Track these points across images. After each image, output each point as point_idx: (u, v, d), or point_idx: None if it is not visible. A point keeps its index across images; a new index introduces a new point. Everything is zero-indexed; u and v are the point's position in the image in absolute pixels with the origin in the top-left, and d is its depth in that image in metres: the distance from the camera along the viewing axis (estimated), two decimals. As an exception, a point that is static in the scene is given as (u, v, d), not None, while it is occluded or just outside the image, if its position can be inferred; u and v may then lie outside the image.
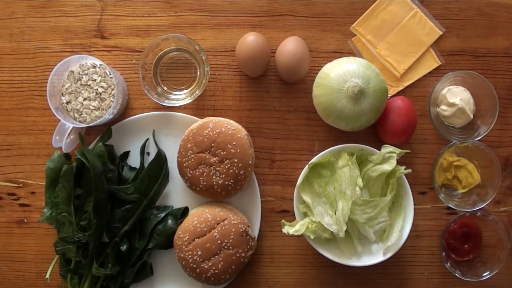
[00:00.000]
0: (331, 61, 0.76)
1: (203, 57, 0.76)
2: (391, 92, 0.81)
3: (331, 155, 0.75)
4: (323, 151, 0.76)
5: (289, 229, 0.74)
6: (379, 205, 0.74)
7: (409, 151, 0.76)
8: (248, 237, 0.75)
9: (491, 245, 0.79)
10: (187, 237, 0.74)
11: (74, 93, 0.77)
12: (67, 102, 0.77)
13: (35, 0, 0.82)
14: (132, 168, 0.80)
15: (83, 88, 0.77)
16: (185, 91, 0.80)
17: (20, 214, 0.82)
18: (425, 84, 0.81)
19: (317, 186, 0.75)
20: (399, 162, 0.76)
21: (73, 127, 0.75)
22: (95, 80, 0.76)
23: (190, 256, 0.73)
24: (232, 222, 0.74)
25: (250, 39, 0.76)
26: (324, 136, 0.81)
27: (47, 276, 0.75)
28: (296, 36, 0.78)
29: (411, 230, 0.75)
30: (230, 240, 0.73)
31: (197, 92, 0.77)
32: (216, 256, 0.73)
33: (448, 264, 0.78)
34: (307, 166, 0.75)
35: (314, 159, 0.76)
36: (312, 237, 0.74)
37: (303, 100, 0.81)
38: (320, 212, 0.75)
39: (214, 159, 0.74)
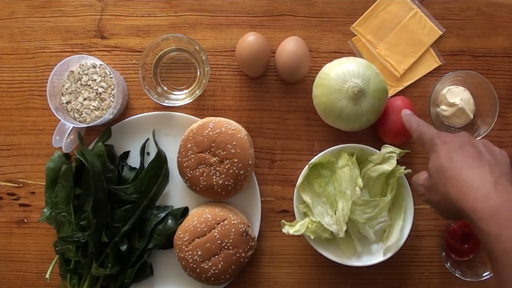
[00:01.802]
0: (331, 61, 0.76)
1: (203, 57, 0.76)
2: (391, 92, 0.81)
3: (331, 155, 0.75)
4: (323, 151, 0.76)
5: (289, 229, 0.74)
6: (379, 205, 0.74)
7: (409, 151, 0.76)
8: (248, 237, 0.75)
9: (491, 245, 0.79)
10: (187, 237, 0.74)
11: (74, 93, 0.77)
12: (67, 102, 0.77)
13: (35, 0, 0.82)
14: (132, 168, 0.80)
15: (83, 88, 0.77)
16: (185, 91, 0.80)
17: (20, 214, 0.82)
18: (425, 84, 0.81)
19: (317, 186, 0.75)
20: (399, 162, 0.76)
21: (73, 127, 0.75)
22: (95, 80, 0.76)
23: (190, 256, 0.73)
24: (232, 222, 0.74)
25: (250, 39, 0.76)
26: (324, 136, 0.81)
27: (47, 276, 0.75)
28: (296, 36, 0.78)
29: (411, 230, 0.75)
30: (230, 240, 0.73)
31: (197, 92, 0.77)
32: (216, 256, 0.73)
33: (448, 264, 0.78)
34: (307, 166, 0.75)
35: (314, 159, 0.76)
36: (312, 237, 0.74)
37: (303, 100, 0.81)
38: (320, 212, 0.75)
39: (214, 159, 0.74)
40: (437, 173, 0.58)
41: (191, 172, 0.74)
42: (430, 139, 0.62)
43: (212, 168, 0.74)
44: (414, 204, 0.76)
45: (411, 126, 0.68)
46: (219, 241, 0.73)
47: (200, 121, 0.76)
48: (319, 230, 0.75)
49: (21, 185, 0.82)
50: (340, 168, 0.75)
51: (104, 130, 0.78)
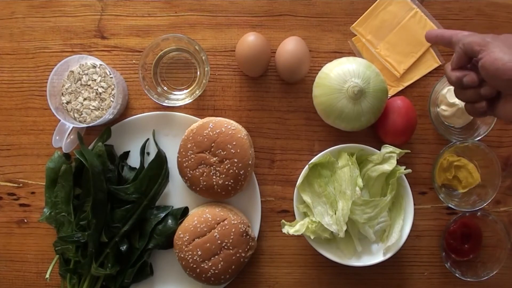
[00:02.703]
0: (331, 61, 0.76)
1: (203, 57, 0.76)
2: (391, 92, 0.81)
3: (331, 155, 0.75)
4: (323, 151, 0.76)
5: (289, 229, 0.74)
6: (379, 205, 0.74)
7: (409, 151, 0.76)
8: (248, 237, 0.75)
9: (491, 245, 0.79)
10: (187, 237, 0.74)
11: (74, 93, 0.77)
12: (67, 102, 0.77)
13: (35, 0, 0.82)
14: (132, 168, 0.80)
15: (83, 88, 0.77)
16: (185, 91, 0.81)
17: (20, 214, 0.82)
18: (425, 84, 0.81)
19: (317, 186, 0.75)
20: (399, 162, 0.76)
21: (73, 127, 0.75)
22: (95, 80, 0.76)
23: (190, 256, 0.73)
24: (232, 222, 0.74)
25: (250, 39, 0.76)
26: (324, 136, 0.81)
27: (47, 276, 0.75)
28: (296, 36, 0.78)
29: (411, 230, 0.75)
30: (230, 240, 0.73)
31: (197, 92, 0.77)
32: (216, 256, 0.73)
33: (448, 264, 0.78)
34: (307, 166, 0.75)
35: (314, 159, 0.76)
36: (312, 237, 0.74)
37: (303, 100, 0.81)
38: (320, 212, 0.75)
39: (214, 159, 0.74)
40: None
41: (191, 172, 0.74)
42: (479, 43, 0.58)
43: (212, 168, 0.74)
44: (414, 204, 0.76)
45: (450, 39, 0.63)
46: (219, 241, 0.73)
47: (200, 121, 0.76)
48: (319, 230, 0.75)
49: (21, 185, 0.82)
50: (340, 168, 0.75)
51: (104, 130, 0.78)
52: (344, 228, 0.73)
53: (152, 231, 0.77)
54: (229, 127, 0.75)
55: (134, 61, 0.82)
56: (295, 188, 0.76)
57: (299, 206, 0.77)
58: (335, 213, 0.74)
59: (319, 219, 0.74)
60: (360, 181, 0.74)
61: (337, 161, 0.76)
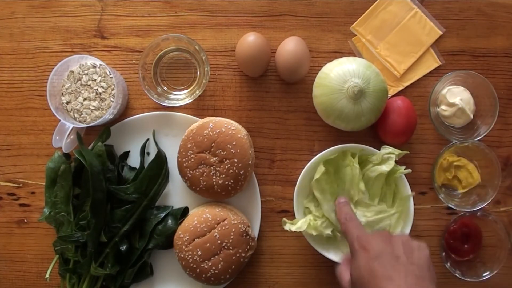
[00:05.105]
0: (331, 61, 0.76)
1: (203, 57, 0.76)
2: (391, 92, 0.81)
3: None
4: (323, 151, 0.76)
5: (291, 226, 0.74)
6: (381, 213, 0.75)
7: (408, 152, 0.76)
8: (248, 237, 0.75)
9: (491, 245, 0.79)
10: (187, 237, 0.74)
11: (74, 93, 0.77)
12: (67, 102, 0.77)
13: (35, 0, 0.82)
14: (132, 168, 0.80)
15: (83, 88, 0.77)
16: (185, 91, 0.81)
17: (20, 214, 0.82)
18: (425, 84, 0.82)
19: (324, 183, 0.75)
20: (399, 162, 0.76)
21: (73, 127, 0.75)
22: (95, 80, 0.76)
23: (190, 256, 0.73)
24: (232, 222, 0.74)
25: (250, 39, 0.76)
26: (324, 136, 0.81)
27: (47, 276, 0.75)
28: (296, 36, 0.78)
29: (411, 230, 0.75)
30: (230, 240, 0.73)
31: (197, 92, 0.77)
32: (216, 256, 0.73)
33: (448, 264, 0.78)
34: (321, 163, 0.75)
35: (326, 155, 0.75)
36: (314, 233, 0.74)
37: (303, 100, 0.81)
38: (327, 210, 0.75)
39: (214, 159, 0.74)
40: (358, 282, 0.59)
41: (191, 172, 0.74)
42: (351, 241, 0.64)
43: (212, 168, 0.74)
44: (414, 204, 0.76)
45: (339, 217, 0.70)
46: (219, 241, 0.73)
47: (200, 121, 0.76)
48: (321, 227, 0.75)
49: (21, 185, 0.82)
50: (344, 167, 0.75)
51: (103, 129, 0.78)
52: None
53: (152, 231, 0.77)
54: (229, 127, 0.75)
55: (134, 61, 0.82)
56: (295, 188, 0.76)
57: (303, 200, 0.76)
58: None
59: (327, 216, 0.74)
60: (362, 185, 0.75)
61: (343, 161, 0.76)
